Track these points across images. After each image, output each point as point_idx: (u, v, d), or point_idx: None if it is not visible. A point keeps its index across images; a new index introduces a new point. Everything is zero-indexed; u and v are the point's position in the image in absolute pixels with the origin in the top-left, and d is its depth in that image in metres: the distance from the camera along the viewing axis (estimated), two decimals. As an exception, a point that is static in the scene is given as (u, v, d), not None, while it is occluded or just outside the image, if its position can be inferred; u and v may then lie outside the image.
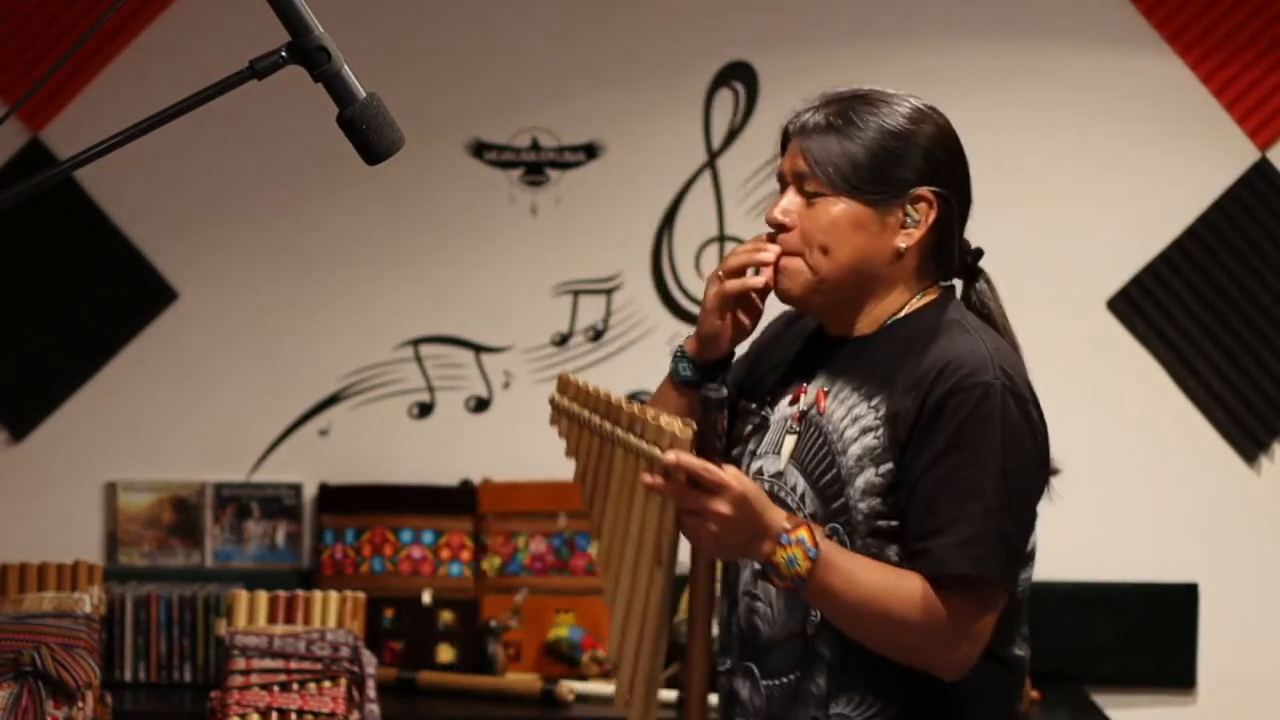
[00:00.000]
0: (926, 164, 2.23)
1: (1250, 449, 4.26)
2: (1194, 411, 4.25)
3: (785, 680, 2.19)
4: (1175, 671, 4.24)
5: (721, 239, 4.28)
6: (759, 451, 2.25)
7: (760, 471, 2.22)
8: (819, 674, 2.16)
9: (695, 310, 4.31)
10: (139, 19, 4.25)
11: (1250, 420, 4.26)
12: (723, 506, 2.03)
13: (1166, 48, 4.22)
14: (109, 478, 4.30)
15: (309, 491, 4.30)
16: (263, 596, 3.52)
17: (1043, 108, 4.25)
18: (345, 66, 1.77)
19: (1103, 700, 4.10)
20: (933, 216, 2.22)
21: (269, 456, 4.32)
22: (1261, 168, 4.23)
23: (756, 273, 2.21)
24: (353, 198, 4.27)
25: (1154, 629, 4.23)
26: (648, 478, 2.06)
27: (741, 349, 2.34)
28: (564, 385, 2.22)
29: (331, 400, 4.32)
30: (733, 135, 4.26)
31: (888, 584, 2.08)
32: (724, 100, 4.26)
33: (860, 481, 2.14)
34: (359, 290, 4.31)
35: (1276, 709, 4.25)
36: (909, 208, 2.21)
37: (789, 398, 2.24)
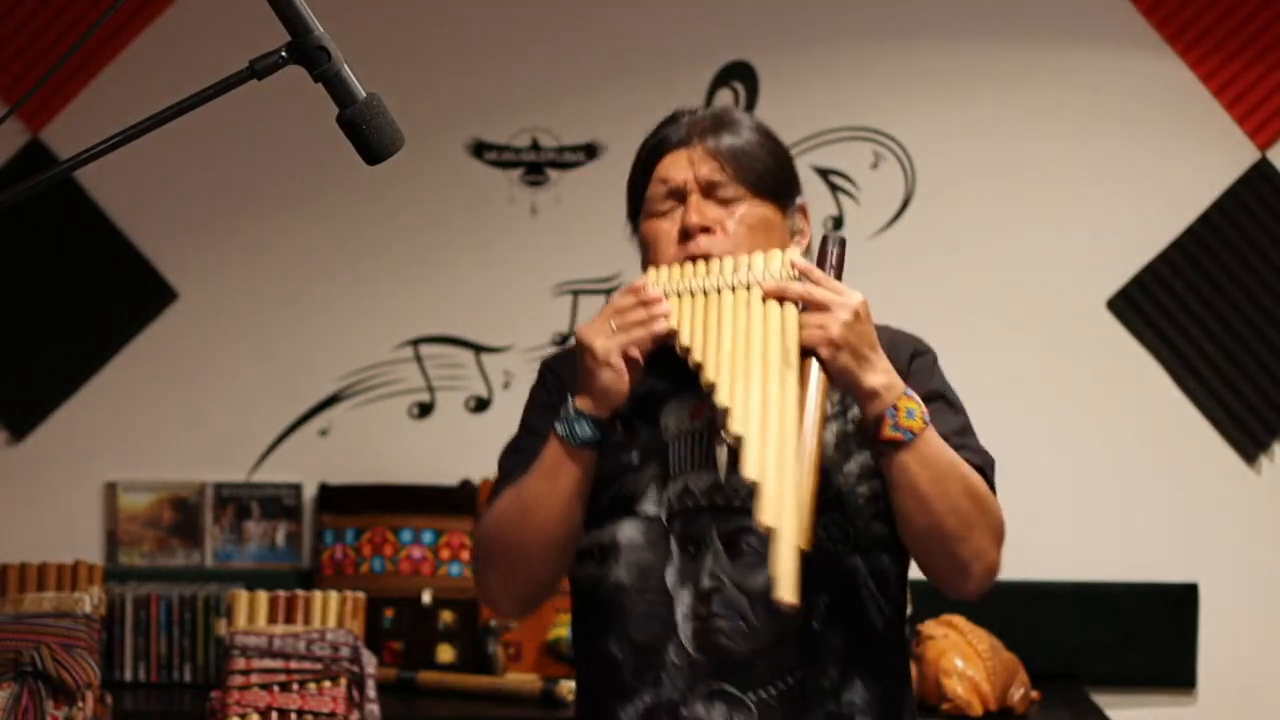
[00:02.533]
0: (796, 176, 2.28)
1: (1250, 449, 4.26)
2: (1194, 411, 4.25)
3: (784, 685, 2.13)
4: (1175, 671, 4.24)
5: (721, 239, 4.28)
6: (673, 473, 2.17)
7: (687, 490, 2.16)
8: (830, 666, 2.14)
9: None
10: (139, 19, 4.25)
11: (1250, 420, 4.26)
12: (850, 299, 2.05)
13: (1166, 48, 4.22)
14: (109, 478, 4.30)
15: (309, 491, 4.30)
16: (263, 596, 3.53)
17: (1042, 107, 4.25)
18: (345, 66, 1.77)
19: (1103, 700, 4.09)
20: (809, 227, 2.27)
21: (269, 456, 4.32)
22: (1261, 168, 4.23)
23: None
24: (353, 198, 4.28)
25: (1154, 629, 4.23)
26: (772, 281, 2.08)
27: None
28: (655, 275, 2.16)
29: (331, 400, 4.32)
30: (733, 135, 4.26)
31: (963, 460, 2.12)
32: (724, 100, 4.25)
33: (853, 465, 2.15)
34: (359, 290, 4.31)
35: (1276, 709, 4.25)
36: (797, 217, 2.25)
37: (686, 413, 2.18)
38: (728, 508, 2.12)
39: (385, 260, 4.31)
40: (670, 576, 2.15)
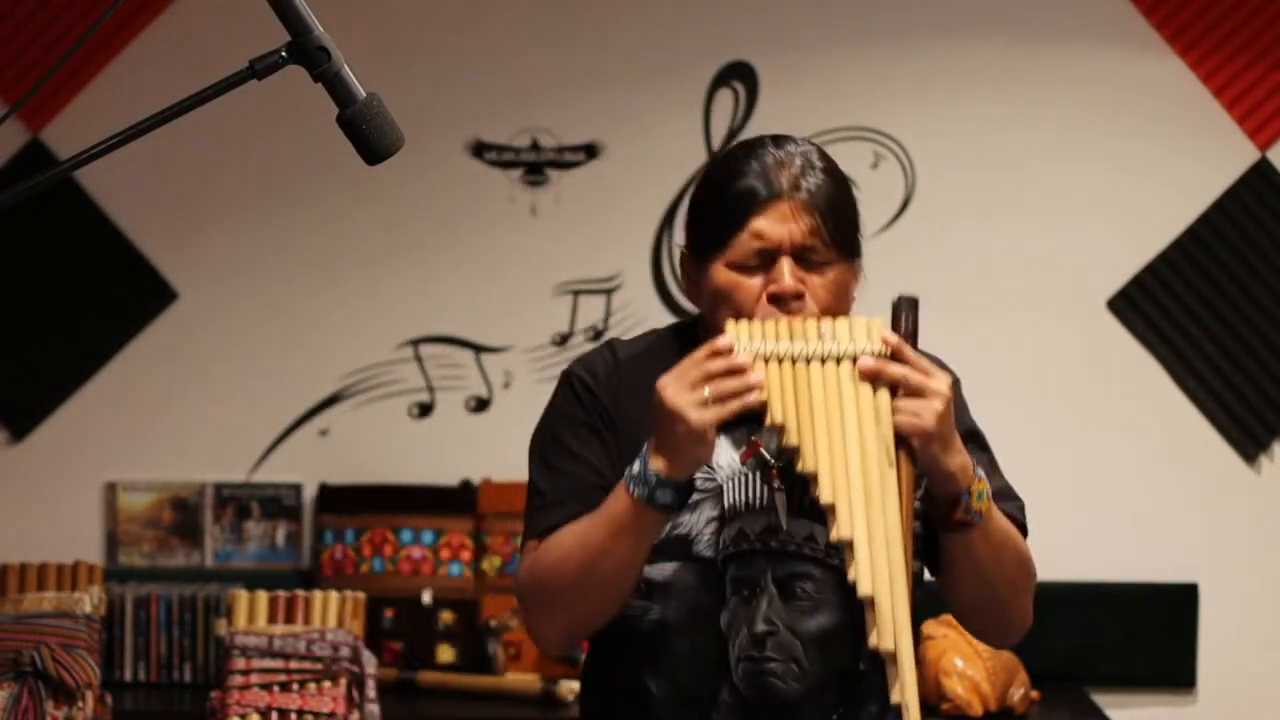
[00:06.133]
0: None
1: (1250, 449, 4.26)
2: (1194, 411, 4.25)
3: None
4: (1175, 671, 4.24)
5: (721, 239, 4.28)
6: (728, 515, 2.13)
7: (742, 532, 2.13)
8: (871, 702, 2.16)
9: (694, 309, 4.31)
10: (139, 19, 4.25)
11: (1250, 420, 4.26)
12: (942, 384, 2.03)
13: (1166, 48, 4.22)
14: (109, 478, 4.30)
15: (309, 491, 4.30)
16: (263, 596, 3.53)
17: (1043, 107, 4.25)
18: (345, 66, 1.77)
19: (1103, 700, 4.10)
20: (861, 283, 2.22)
21: (269, 456, 4.31)
22: (1261, 168, 4.23)
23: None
24: (353, 198, 4.27)
25: (1154, 629, 4.23)
26: (868, 361, 2.01)
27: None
28: (738, 332, 2.05)
29: (331, 400, 4.32)
30: (733, 135, 4.26)
31: (1010, 522, 2.15)
32: (724, 100, 4.26)
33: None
34: (359, 290, 4.31)
35: (1276, 709, 4.26)
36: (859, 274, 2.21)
37: (737, 453, 2.14)
38: (782, 552, 2.12)
39: (385, 260, 4.31)
40: (724, 619, 2.14)
